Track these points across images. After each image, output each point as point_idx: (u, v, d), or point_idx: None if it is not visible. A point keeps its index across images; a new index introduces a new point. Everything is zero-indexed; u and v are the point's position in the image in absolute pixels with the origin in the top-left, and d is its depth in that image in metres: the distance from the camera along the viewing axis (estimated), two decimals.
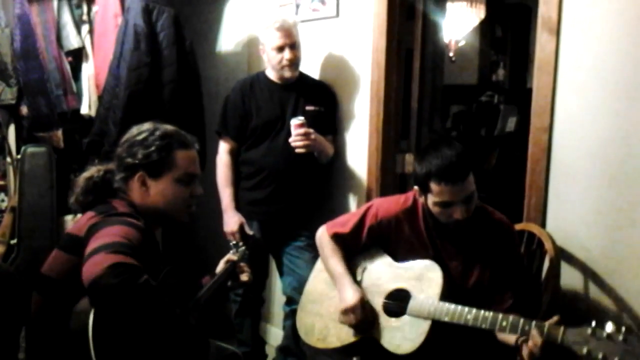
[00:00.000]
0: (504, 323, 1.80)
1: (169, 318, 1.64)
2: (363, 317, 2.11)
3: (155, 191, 1.91)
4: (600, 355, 1.59)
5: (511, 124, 5.71)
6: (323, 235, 2.35)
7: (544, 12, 2.27)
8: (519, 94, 5.82)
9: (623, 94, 2.09)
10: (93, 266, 1.50)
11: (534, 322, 1.74)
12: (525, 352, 1.75)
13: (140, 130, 1.95)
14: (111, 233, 1.64)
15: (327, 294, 2.33)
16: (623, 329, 1.61)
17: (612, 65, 2.11)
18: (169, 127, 1.97)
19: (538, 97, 2.31)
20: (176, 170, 1.92)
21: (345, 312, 2.13)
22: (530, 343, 1.73)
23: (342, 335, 2.20)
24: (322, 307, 2.32)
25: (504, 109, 5.76)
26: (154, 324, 1.61)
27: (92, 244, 1.60)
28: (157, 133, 1.93)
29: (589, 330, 1.63)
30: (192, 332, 1.77)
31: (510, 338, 1.88)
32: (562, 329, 1.68)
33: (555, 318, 1.74)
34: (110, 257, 1.51)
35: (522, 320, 1.77)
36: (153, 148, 1.89)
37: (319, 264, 2.44)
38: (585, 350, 1.61)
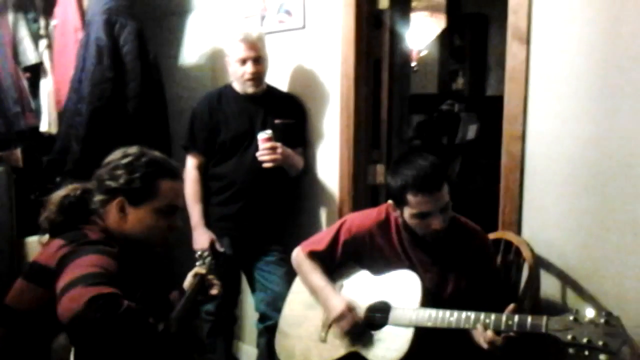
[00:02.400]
0: (487, 320, 1.83)
1: (153, 337, 1.58)
2: (356, 321, 2.10)
3: (133, 219, 1.82)
4: (584, 340, 1.63)
5: (472, 131, 5.79)
6: (299, 255, 2.34)
7: (514, 22, 2.29)
8: (478, 102, 5.92)
9: (595, 101, 2.12)
10: (71, 302, 1.43)
11: (516, 316, 1.78)
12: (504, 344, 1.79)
13: (126, 153, 1.86)
14: (85, 263, 1.56)
15: (305, 315, 2.30)
16: (603, 312, 1.66)
17: (584, 72, 2.14)
18: (156, 154, 1.89)
19: (510, 105, 2.32)
20: (158, 200, 1.84)
21: (338, 319, 2.11)
22: (487, 337, 1.79)
23: (324, 354, 2.18)
24: (302, 328, 2.29)
25: (465, 117, 5.84)
26: (139, 347, 1.55)
27: (66, 277, 1.52)
28: (144, 159, 1.84)
29: (571, 317, 1.68)
30: (176, 344, 1.73)
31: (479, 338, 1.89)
32: (545, 318, 1.72)
33: (511, 306, 1.81)
34: (88, 290, 1.44)
35: (504, 316, 1.80)
36: (137, 174, 1.81)
37: (295, 287, 2.41)
38: (569, 337, 1.66)
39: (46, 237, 1.85)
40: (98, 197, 1.83)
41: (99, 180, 1.84)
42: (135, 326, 1.50)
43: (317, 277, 2.25)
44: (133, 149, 1.88)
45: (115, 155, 1.88)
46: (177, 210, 1.91)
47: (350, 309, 2.11)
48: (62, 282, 1.51)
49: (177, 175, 1.92)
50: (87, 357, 1.54)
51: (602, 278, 2.14)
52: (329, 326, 2.19)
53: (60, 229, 1.79)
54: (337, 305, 2.13)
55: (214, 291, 2.07)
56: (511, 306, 1.82)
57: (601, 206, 2.13)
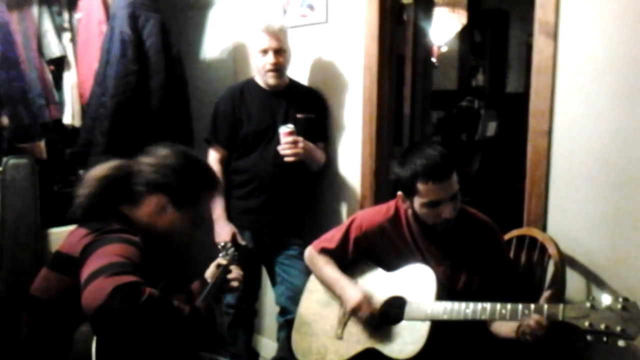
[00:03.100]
0: (503, 311, 1.83)
1: (180, 321, 1.61)
2: (373, 310, 2.11)
3: (171, 219, 1.88)
4: (602, 326, 1.64)
5: (491, 128, 5.76)
6: (311, 252, 2.36)
7: (541, 16, 2.27)
8: (498, 99, 5.88)
9: (623, 96, 2.09)
10: (95, 292, 1.45)
11: (532, 305, 1.78)
12: (528, 332, 1.77)
13: (178, 154, 1.91)
14: (108, 253, 1.58)
15: (320, 312, 2.31)
16: (620, 298, 1.65)
17: (612, 67, 2.11)
18: (203, 162, 2.01)
19: (536, 100, 2.30)
20: (198, 208, 1.94)
21: (356, 309, 2.11)
22: (532, 323, 1.75)
23: (341, 350, 2.18)
24: (317, 326, 2.29)
25: (484, 113, 5.80)
26: (167, 333, 1.58)
27: (90, 266, 1.53)
28: (195, 167, 1.93)
29: (588, 304, 1.68)
30: (206, 322, 1.76)
31: (504, 329, 1.91)
32: (561, 306, 1.73)
33: (548, 292, 1.82)
34: (111, 280, 1.45)
35: (520, 305, 1.80)
36: (189, 182, 1.88)
37: (309, 286, 2.41)
38: (587, 324, 1.66)
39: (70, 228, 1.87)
40: (139, 187, 1.86)
41: (144, 172, 1.87)
42: (159, 313, 1.52)
43: (331, 270, 2.26)
44: (182, 151, 1.94)
45: (165, 152, 1.91)
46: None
47: (367, 298, 2.12)
48: (85, 272, 1.53)
49: (217, 187, 2.03)
50: (110, 347, 1.56)
51: (628, 277, 2.12)
52: (345, 323, 2.20)
53: (92, 213, 1.80)
54: (354, 295, 2.13)
55: (235, 284, 2.09)
56: (546, 293, 1.82)
57: (628, 203, 2.11)
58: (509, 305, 1.82)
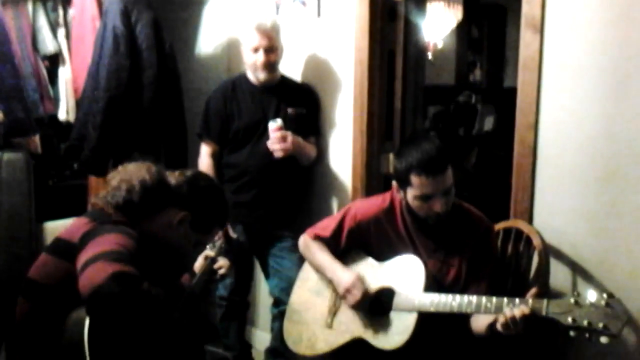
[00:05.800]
0: (489, 305, 1.84)
1: (169, 323, 1.63)
2: (365, 292, 2.12)
3: (182, 233, 1.96)
4: (585, 322, 1.64)
5: (489, 123, 5.77)
6: (305, 239, 2.37)
7: (527, 11, 2.28)
8: (496, 94, 5.90)
9: (608, 91, 2.11)
10: (93, 274, 1.48)
11: (517, 299, 1.79)
12: (510, 323, 1.76)
13: (210, 184, 2.07)
14: (107, 241, 1.62)
15: (312, 301, 2.33)
16: (605, 295, 1.66)
17: (597, 62, 2.13)
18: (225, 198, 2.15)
19: (523, 94, 2.32)
20: (207, 236, 2.10)
21: (347, 291, 2.13)
22: (517, 314, 1.74)
23: (330, 339, 2.20)
24: (308, 314, 2.31)
25: (482, 108, 5.82)
26: (154, 330, 1.60)
27: (88, 252, 1.57)
28: (221, 198, 2.09)
29: (572, 300, 1.69)
30: (190, 334, 1.79)
31: (484, 320, 1.90)
32: (545, 301, 1.74)
33: (534, 289, 1.80)
34: (111, 265, 1.49)
35: (505, 299, 1.81)
36: (212, 213, 2.03)
37: (302, 274, 2.43)
38: (570, 319, 1.67)
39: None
40: (168, 197, 1.93)
41: (177, 185, 1.96)
42: (150, 308, 1.54)
43: (324, 255, 2.27)
44: (214, 181, 2.16)
45: (199, 175, 2.06)
46: None
47: (360, 280, 2.13)
48: (84, 257, 1.56)
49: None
50: (102, 332, 1.58)
51: (613, 266, 2.14)
52: (335, 312, 2.22)
53: (127, 210, 1.84)
54: (347, 277, 2.15)
55: (222, 271, 2.14)
56: (533, 290, 1.82)
57: (613, 195, 2.13)
58: (494, 299, 1.84)
